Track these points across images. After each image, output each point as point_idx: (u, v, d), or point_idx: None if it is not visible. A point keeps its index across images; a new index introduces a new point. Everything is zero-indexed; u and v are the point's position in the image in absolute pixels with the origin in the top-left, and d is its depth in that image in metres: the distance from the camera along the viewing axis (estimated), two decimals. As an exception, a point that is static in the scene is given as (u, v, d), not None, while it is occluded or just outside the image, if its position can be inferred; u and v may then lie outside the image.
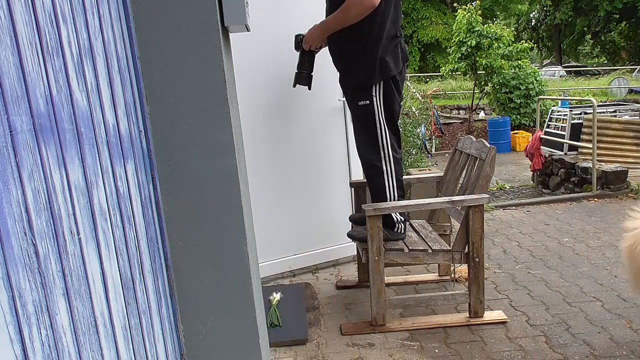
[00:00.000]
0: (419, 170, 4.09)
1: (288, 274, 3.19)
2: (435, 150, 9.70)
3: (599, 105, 7.05)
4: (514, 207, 4.68)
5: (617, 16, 22.83)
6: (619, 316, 2.41)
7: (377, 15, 2.25)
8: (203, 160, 1.38)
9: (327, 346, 2.29)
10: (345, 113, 3.13)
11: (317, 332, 2.42)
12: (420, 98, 9.13)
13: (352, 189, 2.98)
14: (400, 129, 4.97)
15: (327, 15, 2.39)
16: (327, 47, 2.50)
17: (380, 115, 2.37)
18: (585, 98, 10.61)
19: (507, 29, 12.05)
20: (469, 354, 2.16)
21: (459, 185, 2.68)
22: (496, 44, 11.18)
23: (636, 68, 19.87)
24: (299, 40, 2.46)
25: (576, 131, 6.84)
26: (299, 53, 2.49)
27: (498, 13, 24.78)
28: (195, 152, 1.38)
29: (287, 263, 3.17)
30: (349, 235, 2.65)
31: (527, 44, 11.90)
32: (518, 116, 11.40)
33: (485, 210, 4.24)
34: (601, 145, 6.12)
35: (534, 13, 27.56)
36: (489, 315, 2.45)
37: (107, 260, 1.01)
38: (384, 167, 2.41)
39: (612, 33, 24.87)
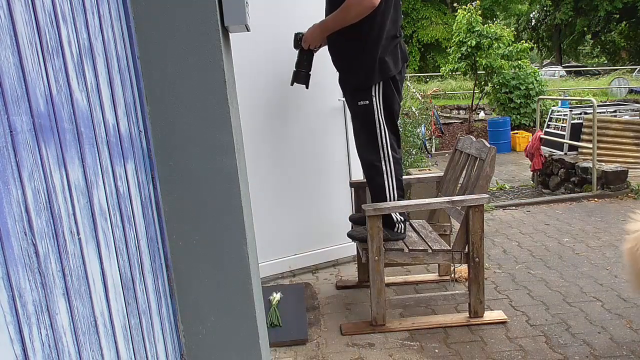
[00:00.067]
0: (419, 170, 4.09)
1: (288, 274, 3.19)
2: (435, 150, 9.70)
3: (599, 105, 7.05)
4: (514, 207, 4.68)
5: (617, 16, 22.83)
6: (619, 316, 2.41)
7: (377, 15, 2.25)
8: (203, 160, 1.38)
9: (327, 346, 2.29)
10: (345, 113, 3.13)
11: (317, 332, 2.42)
12: (420, 98, 9.13)
13: (352, 189, 2.98)
14: (400, 129, 4.97)
15: (326, 15, 2.39)
16: (326, 47, 2.50)
17: (379, 115, 2.37)
18: (585, 98, 10.62)
19: (507, 29, 12.05)
20: (469, 354, 2.16)
21: (459, 185, 2.68)
22: (496, 44, 11.17)
23: (636, 68, 19.88)
24: (298, 39, 2.46)
25: (576, 131, 6.83)
26: (297, 51, 2.49)
27: (498, 13, 24.78)
28: (195, 152, 1.38)
29: (287, 263, 3.17)
30: (349, 235, 2.65)
31: (527, 44, 11.89)
32: (518, 116, 11.40)
33: (485, 210, 4.24)
34: (601, 145, 6.12)
35: (534, 13, 27.56)
36: (489, 315, 2.45)
37: (107, 260, 1.01)
38: (384, 167, 2.41)
39: (612, 33, 24.88)
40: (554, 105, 8.50)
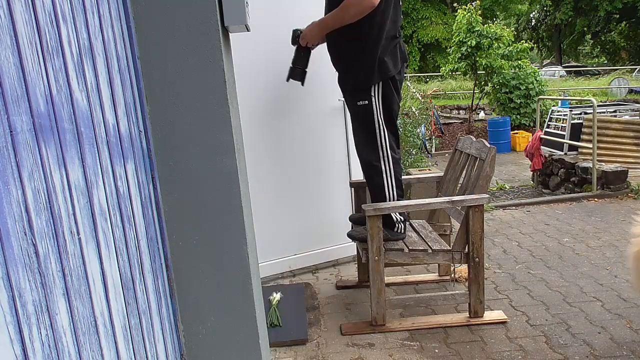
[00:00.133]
0: (419, 170, 4.09)
1: (288, 274, 3.19)
2: (435, 150, 9.70)
3: (599, 105, 7.05)
4: (514, 207, 4.68)
5: (617, 16, 22.83)
6: (619, 316, 2.41)
7: (376, 15, 2.25)
8: (203, 160, 1.38)
9: (327, 346, 2.29)
10: (345, 113, 3.13)
11: (317, 332, 2.42)
12: (420, 98, 9.13)
13: (352, 189, 2.98)
14: (400, 129, 4.99)
15: (326, 14, 2.39)
16: (324, 46, 2.49)
17: (378, 115, 2.37)
18: (585, 98, 10.62)
19: (507, 29, 12.05)
20: (469, 354, 2.16)
21: (459, 185, 2.68)
22: (496, 44, 11.18)
23: (636, 68, 19.88)
24: (297, 36, 2.46)
25: (576, 131, 6.83)
26: (295, 48, 2.49)
27: (498, 13, 24.78)
28: (195, 152, 1.38)
29: (287, 263, 3.17)
30: (349, 235, 2.65)
31: (527, 44, 11.89)
32: (518, 116, 11.40)
33: (485, 210, 4.24)
34: (601, 145, 6.12)
35: (534, 13, 27.57)
36: (489, 315, 2.45)
37: (107, 260, 1.01)
38: (383, 167, 2.41)
39: (612, 33, 24.88)
40: (554, 105, 8.50)
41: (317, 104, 3.09)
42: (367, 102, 2.36)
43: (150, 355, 1.21)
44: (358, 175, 3.13)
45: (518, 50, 11.40)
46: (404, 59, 2.45)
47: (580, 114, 7.18)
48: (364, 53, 2.31)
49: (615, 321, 2.36)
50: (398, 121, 2.55)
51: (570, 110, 7.38)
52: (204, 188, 1.39)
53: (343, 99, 2.90)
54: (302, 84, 2.51)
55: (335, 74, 2.52)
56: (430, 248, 2.41)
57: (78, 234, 0.88)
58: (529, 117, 11.32)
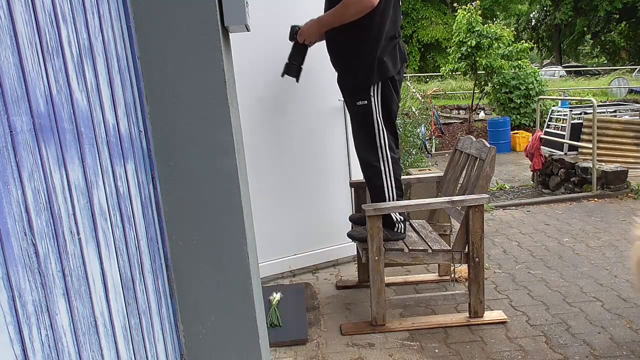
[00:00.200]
0: (419, 170, 4.09)
1: (288, 274, 3.19)
2: (435, 150, 9.70)
3: (599, 105, 7.04)
4: (514, 207, 4.68)
5: (617, 16, 22.83)
6: (619, 316, 2.41)
7: (376, 14, 2.24)
8: (203, 160, 1.38)
9: (327, 346, 2.29)
10: (345, 113, 3.13)
11: (317, 332, 2.42)
12: (420, 98, 9.13)
13: (352, 189, 2.98)
14: (400, 129, 4.99)
15: (325, 11, 2.38)
16: (321, 44, 2.48)
17: (378, 115, 2.37)
18: (585, 98, 10.61)
19: (507, 29, 12.04)
20: (469, 354, 2.16)
21: (459, 185, 2.68)
22: (496, 44, 11.17)
23: (636, 68, 19.88)
24: (294, 32, 2.45)
25: (576, 131, 6.83)
26: (292, 44, 2.48)
27: (498, 13, 24.78)
28: (195, 152, 1.38)
29: (287, 263, 3.17)
30: (349, 235, 2.65)
31: (527, 44, 11.89)
32: (518, 116, 11.40)
33: (485, 210, 4.24)
34: (601, 145, 6.12)
35: (534, 13, 27.56)
36: (489, 315, 2.45)
37: (107, 260, 1.01)
38: (382, 167, 2.41)
39: (612, 33, 24.88)
40: (554, 105, 8.50)
41: (317, 104, 3.09)
42: (366, 102, 2.36)
43: (150, 355, 1.21)
44: (358, 175, 3.12)
45: (518, 50, 11.40)
46: (403, 59, 2.45)
47: (580, 114, 7.18)
48: (364, 52, 2.31)
49: (615, 321, 2.36)
50: (398, 121, 2.55)
51: (570, 110, 7.38)
52: (204, 188, 1.39)
53: (343, 99, 2.90)
54: (297, 81, 2.50)
55: (335, 74, 2.52)
56: (430, 248, 2.41)
57: (78, 234, 0.88)
58: (529, 117, 11.32)
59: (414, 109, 6.64)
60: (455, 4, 15.00)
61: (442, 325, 2.40)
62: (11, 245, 0.67)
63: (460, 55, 11.51)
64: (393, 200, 2.44)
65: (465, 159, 2.67)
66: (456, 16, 11.87)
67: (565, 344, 2.19)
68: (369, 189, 2.52)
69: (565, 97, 10.78)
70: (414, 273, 3.08)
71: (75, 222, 0.88)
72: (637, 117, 7.54)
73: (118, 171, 1.12)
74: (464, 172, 2.64)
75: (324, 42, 2.50)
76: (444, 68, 13.03)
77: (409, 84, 10.25)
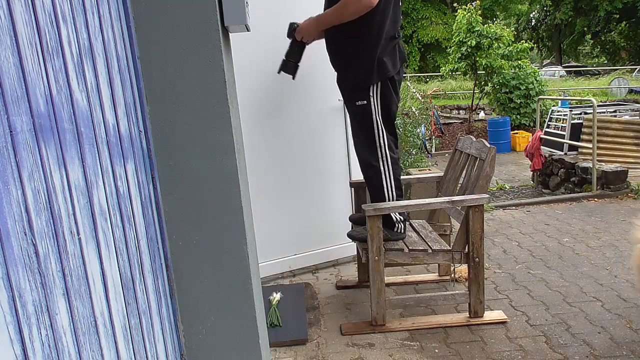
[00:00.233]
0: (419, 170, 4.09)
1: (288, 274, 3.19)
2: (435, 150, 9.70)
3: (599, 105, 7.04)
4: (514, 207, 4.68)
5: (617, 16, 22.83)
6: (619, 316, 2.41)
7: (376, 14, 2.24)
8: (203, 160, 1.38)
9: (327, 346, 2.29)
10: (345, 113, 3.13)
11: (317, 332, 2.42)
12: (420, 98, 9.13)
13: (352, 189, 2.98)
14: (400, 129, 4.99)
15: (325, 10, 2.38)
16: (321, 44, 2.48)
17: (377, 115, 2.37)
18: (585, 98, 10.61)
19: (507, 29, 12.04)
20: (469, 354, 2.16)
21: (459, 185, 2.68)
22: (496, 44, 11.17)
23: (636, 68, 19.88)
24: (293, 29, 2.45)
25: (576, 131, 6.83)
26: (290, 41, 2.48)
27: (498, 13, 24.78)
28: (195, 152, 1.38)
29: (287, 263, 3.17)
30: (349, 235, 2.65)
31: (527, 44, 11.89)
32: (518, 116, 11.40)
33: (485, 210, 4.24)
34: (601, 145, 6.12)
35: (534, 13, 27.56)
36: (489, 315, 2.45)
37: (107, 260, 1.01)
38: (382, 167, 2.41)
39: (612, 33, 24.88)
40: (554, 105, 8.50)
41: (317, 104, 3.09)
42: (365, 102, 2.36)
43: (150, 355, 1.21)
44: (358, 175, 3.12)
45: (518, 50, 11.40)
46: (402, 59, 2.45)
47: (580, 114, 7.18)
48: (363, 51, 2.31)
49: (615, 321, 2.36)
50: (398, 121, 2.55)
51: (570, 110, 7.38)
52: (204, 188, 1.40)
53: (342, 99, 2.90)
54: (293, 78, 2.50)
55: (335, 74, 2.52)
56: (430, 248, 2.41)
57: (78, 234, 0.88)
58: (529, 117, 11.32)
59: (414, 109, 6.64)
60: (455, 4, 15.00)
61: (442, 325, 2.40)
62: (11, 245, 0.67)
63: (460, 55, 11.51)
64: (393, 200, 2.44)
65: (465, 159, 2.67)
66: (456, 16, 11.87)
67: (565, 344, 2.19)
68: (368, 189, 2.52)
69: (565, 97, 10.78)
70: (414, 273, 3.08)
71: (75, 222, 0.88)
72: (637, 117, 7.54)
73: (118, 171, 1.12)
74: (464, 172, 2.64)
75: (323, 43, 2.49)
76: (444, 68, 13.03)
77: (409, 84, 10.26)
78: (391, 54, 2.36)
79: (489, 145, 2.41)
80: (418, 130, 5.96)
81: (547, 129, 7.50)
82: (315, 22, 2.37)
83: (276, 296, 2.65)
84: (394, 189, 2.44)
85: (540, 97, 8.89)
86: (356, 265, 3.10)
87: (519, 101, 11.33)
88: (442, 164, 6.45)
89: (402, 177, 2.56)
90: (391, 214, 2.42)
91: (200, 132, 1.37)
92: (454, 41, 11.81)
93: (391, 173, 2.42)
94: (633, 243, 2.15)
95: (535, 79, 11.43)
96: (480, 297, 2.40)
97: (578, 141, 6.52)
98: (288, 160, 3.08)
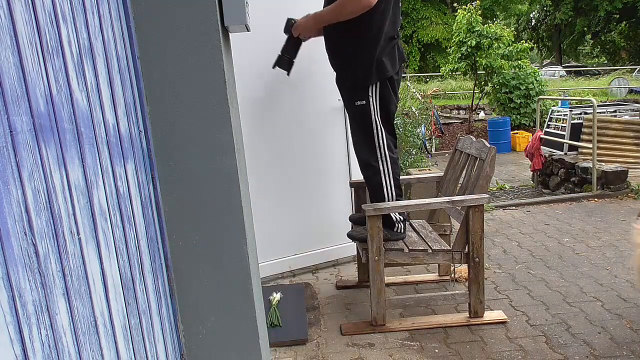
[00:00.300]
0: (419, 170, 4.09)
1: (288, 274, 3.19)
2: (435, 150, 9.70)
3: (599, 105, 7.04)
4: (514, 207, 4.68)
5: (617, 16, 22.83)
6: (619, 316, 2.41)
7: (375, 14, 2.24)
8: (203, 160, 1.38)
9: (327, 346, 2.29)
10: (345, 113, 3.13)
11: (317, 332, 2.42)
12: (420, 98, 9.13)
13: (352, 189, 2.98)
14: (400, 129, 4.98)
15: (324, 7, 2.38)
16: (317, 42, 2.48)
17: (376, 115, 2.37)
18: (585, 98, 10.61)
19: (507, 29, 12.05)
20: (469, 354, 2.16)
21: (459, 185, 2.68)
22: (496, 44, 11.18)
23: (636, 68, 19.88)
24: (290, 24, 2.45)
25: (576, 131, 6.83)
26: (286, 37, 2.48)
27: (498, 13, 24.79)
28: (195, 152, 1.38)
29: (287, 263, 3.17)
30: (349, 235, 2.65)
31: (527, 44, 11.89)
32: (518, 116, 11.41)
33: (485, 210, 4.24)
34: (601, 145, 6.12)
35: (534, 13, 27.57)
36: (489, 315, 2.45)
37: (107, 260, 1.01)
38: (381, 167, 2.41)
39: (612, 33, 24.88)
40: (554, 105, 8.50)
41: (317, 104, 3.09)
42: (364, 102, 2.36)
43: (150, 355, 1.21)
44: (358, 175, 3.12)
45: (518, 50, 11.40)
46: (401, 60, 2.45)
47: (580, 114, 7.18)
48: (363, 50, 2.31)
49: (615, 321, 2.36)
50: (398, 121, 2.55)
51: (570, 110, 7.38)
52: (204, 188, 1.39)
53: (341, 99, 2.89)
54: (288, 74, 2.49)
55: (334, 74, 2.52)
56: (430, 248, 2.41)
57: (78, 234, 0.88)
58: (529, 117, 11.32)
59: (414, 109, 6.64)
60: (455, 4, 15.00)
61: (442, 325, 2.40)
62: (11, 245, 0.67)
63: (460, 55, 11.51)
64: (392, 199, 2.44)
65: (465, 159, 2.67)
66: (456, 16, 11.87)
67: (565, 344, 2.19)
68: (368, 188, 2.52)
69: (565, 97, 10.78)
70: (414, 273, 3.08)
71: (75, 222, 0.88)
72: (637, 117, 7.54)
73: (118, 171, 1.12)
74: (464, 172, 2.64)
75: (323, 43, 2.49)
76: (444, 68, 13.03)
77: (409, 84, 10.25)
78: (390, 54, 2.36)
79: (489, 145, 2.41)
80: (418, 130, 5.96)
81: (547, 129, 7.50)
82: (313, 19, 2.37)
83: (276, 296, 2.65)
84: (393, 189, 2.44)
85: (540, 97, 8.89)
86: (356, 265, 3.10)
87: (519, 101, 11.33)
88: (442, 164, 6.45)
89: (402, 177, 2.55)
90: (391, 213, 2.42)
91: (200, 132, 1.37)
92: (454, 41, 11.81)
93: (390, 173, 2.42)
94: (634, 247, 2.15)
95: (535, 79, 11.43)
96: (480, 297, 2.40)
97: (578, 141, 6.52)
98: (288, 160, 3.08)
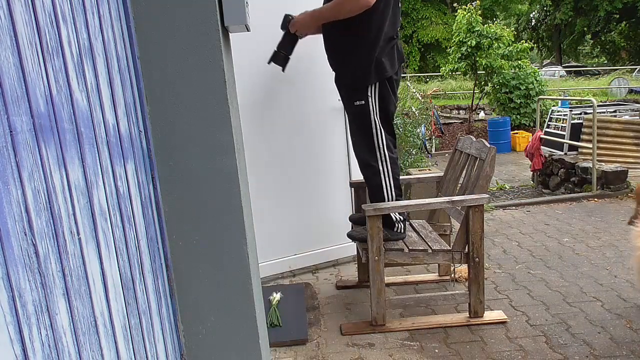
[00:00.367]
0: (419, 170, 4.09)
1: (288, 274, 3.19)
2: (435, 150, 9.70)
3: (599, 105, 7.04)
4: (514, 207, 4.68)
5: (617, 16, 22.83)
6: (619, 316, 2.41)
7: (375, 14, 2.24)
8: (203, 160, 1.38)
9: (327, 346, 2.29)
10: (345, 113, 3.13)
11: (317, 332, 2.42)
12: (420, 98, 9.13)
13: (352, 189, 2.98)
14: (400, 129, 4.98)
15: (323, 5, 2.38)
16: (317, 41, 2.47)
17: (375, 116, 2.37)
18: (585, 98, 10.62)
19: (507, 29, 12.05)
20: (469, 354, 2.16)
21: (459, 185, 2.68)
22: (496, 44, 11.18)
23: (636, 68, 19.87)
24: (287, 21, 2.44)
25: (576, 131, 6.83)
26: (283, 33, 2.47)
27: (498, 13, 24.78)
28: (195, 152, 1.38)
29: (287, 263, 3.17)
30: (349, 235, 2.65)
31: (527, 44, 11.89)
32: (518, 116, 11.41)
33: (485, 210, 4.24)
34: (601, 145, 6.12)
35: (534, 13, 27.56)
36: (489, 315, 2.45)
37: (107, 260, 1.01)
38: (380, 167, 2.41)
39: (612, 33, 24.88)
40: (554, 105, 8.50)
41: (317, 103, 3.09)
42: (363, 102, 2.35)
43: (150, 355, 1.21)
44: (358, 175, 3.12)
45: (518, 50, 11.40)
46: (401, 60, 2.44)
47: (580, 114, 7.18)
48: (362, 48, 2.31)
49: (615, 321, 2.36)
50: (398, 121, 2.55)
51: (570, 110, 7.38)
52: (204, 188, 1.40)
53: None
54: (283, 70, 2.48)
55: (334, 74, 2.52)
56: (430, 248, 2.41)
57: (78, 234, 0.88)
58: (529, 117, 11.32)
59: (414, 109, 6.64)
60: (455, 4, 14.99)
61: (442, 325, 2.40)
62: (11, 245, 0.67)
63: (460, 55, 11.52)
64: (392, 199, 2.44)
65: (465, 159, 2.67)
66: (456, 16, 11.87)
67: (565, 344, 2.19)
68: (367, 188, 2.52)
69: (565, 97, 10.79)
70: (414, 273, 3.08)
71: (75, 222, 0.88)
72: (637, 117, 7.54)
73: (118, 171, 1.12)
74: (464, 172, 2.64)
75: (323, 43, 2.49)
76: (444, 68, 13.03)
77: (409, 84, 10.26)
78: (389, 54, 2.36)
79: (489, 145, 2.41)
80: (418, 130, 5.96)
81: (547, 129, 7.50)
82: (311, 16, 2.37)
83: (276, 296, 2.65)
84: (393, 189, 2.44)
85: (540, 97, 8.89)
86: (356, 265, 3.10)
87: (519, 101, 11.34)
88: (442, 164, 6.45)
89: (402, 177, 2.55)
90: (391, 213, 2.42)
91: (200, 132, 1.37)
92: (454, 41, 11.81)
93: (390, 173, 2.42)
94: (634, 249, 2.15)
95: (535, 79, 11.43)
96: (480, 297, 2.40)
97: (578, 141, 6.52)
98: (288, 160, 3.08)
